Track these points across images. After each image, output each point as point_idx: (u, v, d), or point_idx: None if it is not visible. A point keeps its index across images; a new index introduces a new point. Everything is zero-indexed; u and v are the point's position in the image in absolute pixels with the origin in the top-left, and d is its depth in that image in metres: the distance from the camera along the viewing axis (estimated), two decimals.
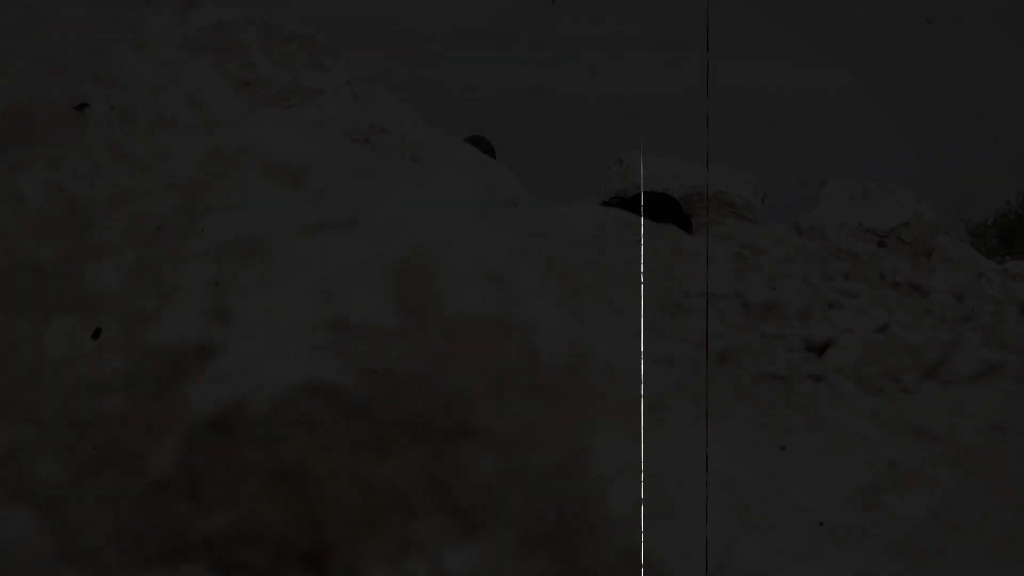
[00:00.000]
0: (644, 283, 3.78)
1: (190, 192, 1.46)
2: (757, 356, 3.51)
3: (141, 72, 2.56)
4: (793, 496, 3.02)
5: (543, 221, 3.94)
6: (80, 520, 1.33)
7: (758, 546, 2.92)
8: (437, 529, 1.10)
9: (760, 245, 3.95)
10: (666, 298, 3.72)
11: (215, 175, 1.41)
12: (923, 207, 18.04)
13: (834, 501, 3.01)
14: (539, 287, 1.18)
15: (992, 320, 3.73)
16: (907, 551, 2.92)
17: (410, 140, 6.44)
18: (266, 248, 1.25)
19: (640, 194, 9.49)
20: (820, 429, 3.20)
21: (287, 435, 1.12)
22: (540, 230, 3.92)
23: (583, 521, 1.09)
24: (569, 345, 1.17)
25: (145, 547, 1.20)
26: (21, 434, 1.50)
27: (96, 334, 1.58)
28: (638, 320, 3.63)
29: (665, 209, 6.04)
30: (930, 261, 17.63)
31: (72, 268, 1.57)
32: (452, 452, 1.12)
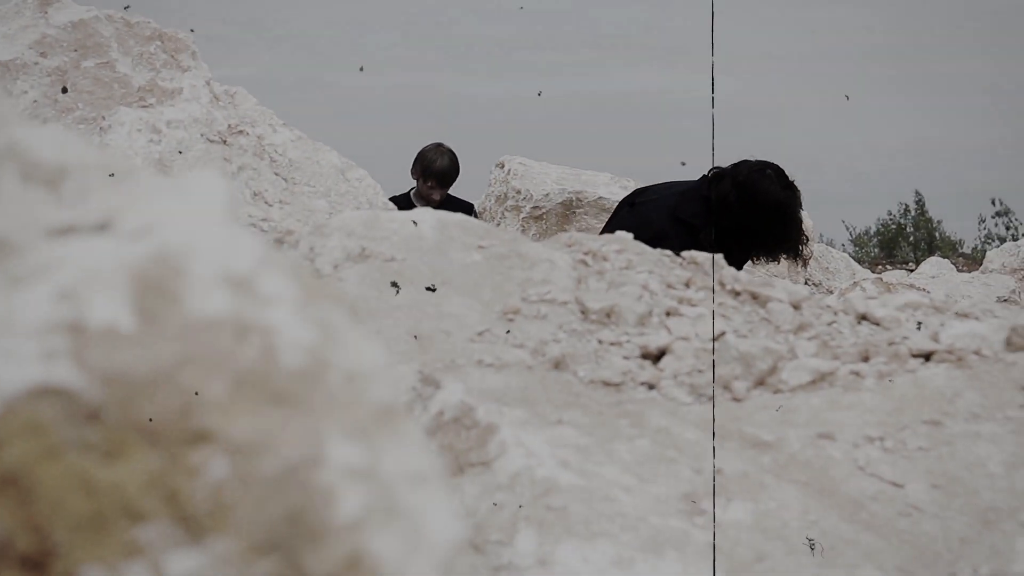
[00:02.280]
0: (484, 287, 3.79)
1: None
2: (592, 363, 3.52)
3: None
4: (618, 502, 3.03)
5: (384, 227, 3.94)
6: None
7: (579, 553, 2.93)
8: (162, 535, 1.09)
9: (602, 252, 3.97)
10: (505, 303, 3.73)
11: None
12: (802, 215, 18.23)
13: (658, 508, 3.03)
14: (283, 293, 1.17)
15: (828, 329, 3.77)
16: (729, 558, 2.94)
17: (268, 142, 6.43)
18: (13, 249, 1.24)
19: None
20: (649, 436, 3.22)
21: (14, 439, 1.11)
22: (381, 235, 3.92)
23: (310, 527, 1.09)
24: (309, 351, 1.16)
25: None
26: None
27: None
28: (474, 325, 3.64)
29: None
30: (807, 269, 17.88)
31: None
32: (185, 457, 1.12)
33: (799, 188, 7.28)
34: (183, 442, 1.15)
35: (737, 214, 6.99)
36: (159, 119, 6.38)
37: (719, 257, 3.96)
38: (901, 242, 41.30)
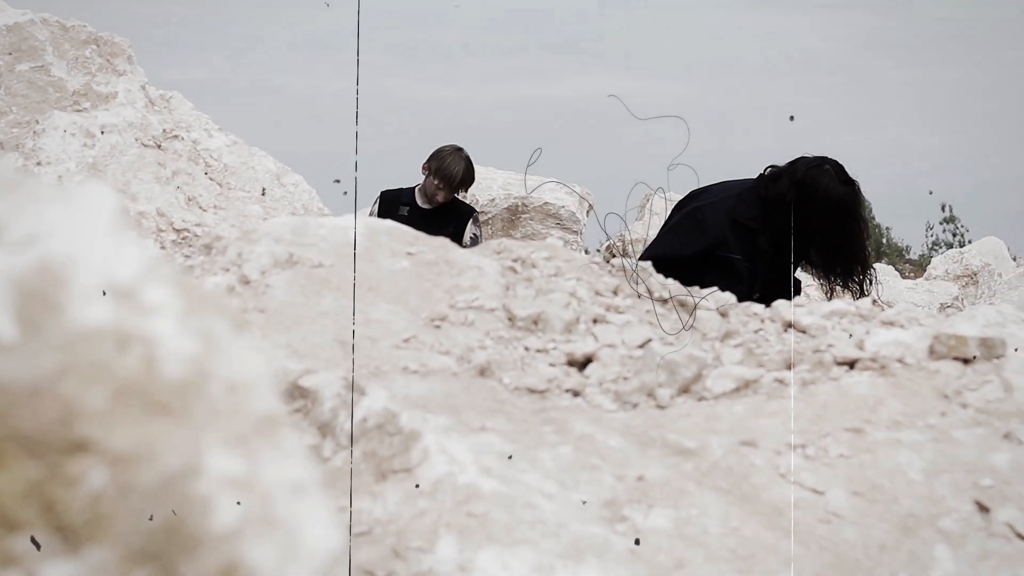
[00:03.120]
0: (412, 294, 3.79)
1: None
2: (518, 370, 3.53)
3: None
4: (539, 509, 3.03)
5: (313, 233, 3.93)
6: None
7: (499, 559, 2.94)
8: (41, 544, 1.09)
9: (532, 259, 3.98)
10: (432, 310, 3.73)
11: None
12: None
13: (580, 514, 3.03)
14: (166, 304, 1.17)
15: (754, 337, 3.79)
16: (649, 564, 2.95)
17: (204, 147, 6.41)
18: None
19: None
20: (572, 443, 3.23)
21: None
22: (310, 241, 3.91)
23: (188, 537, 1.09)
24: (190, 362, 1.16)
25: None
26: None
27: None
28: (400, 332, 3.64)
29: None
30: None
31: None
32: (64, 467, 1.11)
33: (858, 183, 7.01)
34: (62, 452, 1.14)
35: (796, 213, 6.77)
36: (93, 123, 6.35)
37: (647, 264, 3.96)
38: None
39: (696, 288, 4.11)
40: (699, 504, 3.11)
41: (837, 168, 6.85)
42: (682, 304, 3.88)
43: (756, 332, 3.83)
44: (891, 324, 3.84)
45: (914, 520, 3.17)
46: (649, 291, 3.91)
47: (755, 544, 3.04)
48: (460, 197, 9.75)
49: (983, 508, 3.20)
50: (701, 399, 3.46)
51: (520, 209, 14.80)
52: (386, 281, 3.78)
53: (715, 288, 6.90)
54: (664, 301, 3.91)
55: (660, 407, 3.42)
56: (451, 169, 9.37)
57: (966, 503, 3.21)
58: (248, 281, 3.76)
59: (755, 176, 7.18)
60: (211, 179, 6.40)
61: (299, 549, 1.18)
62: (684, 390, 3.47)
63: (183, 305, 1.22)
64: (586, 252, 17.96)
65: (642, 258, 7.24)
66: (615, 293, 3.90)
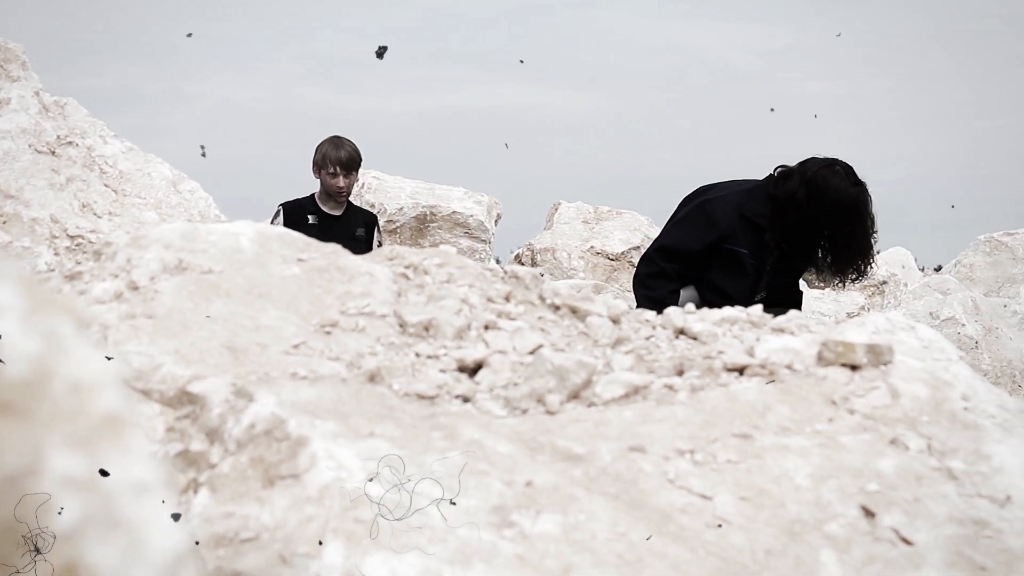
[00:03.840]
0: (302, 300, 3.76)
1: None
2: (408, 376, 3.52)
3: None
4: (427, 515, 3.02)
5: (203, 239, 3.90)
6: None
7: (387, 565, 2.92)
8: None
9: (424, 266, 3.97)
10: (323, 316, 3.71)
11: None
12: (654, 231, 18.44)
13: (468, 520, 3.03)
14: (9, 303, 1.15)
15: (646, 344, 3.80)
16: (536, 570, 2.94)
17: (99, 153, 6.34)
18: None
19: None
20: (462, 449, 3.22)
21: None
22: (200, 247, 3.88)
23: (27, 537, 1.07)
24: (33, 361, 1.14)
25: None
26: None
27: None
28: (290, 338, 3.61)
29: None
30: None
31: None
32: None
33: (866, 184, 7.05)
34: None
35: (806, 211, 6.85)
36: None
37: (539, 271, 3.97)
38: None
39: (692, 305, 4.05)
40: (587, 510, 3.11)
41: (847, 169, 6.92)
42: (574, 310, 3.88)
43: (647, 339, 3.84)
44: (781, 331, 3.87)
45: (800, 525, 3.19)
46: (541, 297, 3.91)
47: (642, 549, 3.04)
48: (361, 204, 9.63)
49: (869, 513, 3.22)
50: (591, 405, 3.47)
51: (428, 218, 14.79)
52: (276, 287, 3.75)
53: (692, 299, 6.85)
54: (556, 308, 3.91)
55: (550, 413, 3.42)
56: (339, 153, 9.27)
57: (852, 508, 3.24)
58: (137, 287, 3.72)
59: (763, 176, 7.14)
60: (106, 185, 6.34)
61: (142, 549, 1.17)
62: (574, 396, 3.47)
63: (27, 304, 1.20)
64: (497, 261, 17.98)
65: (650, 248, 7.27)
66: (507, 299, 3.90)
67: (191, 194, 6.40)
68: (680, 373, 3.61)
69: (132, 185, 6.40)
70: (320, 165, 9.27)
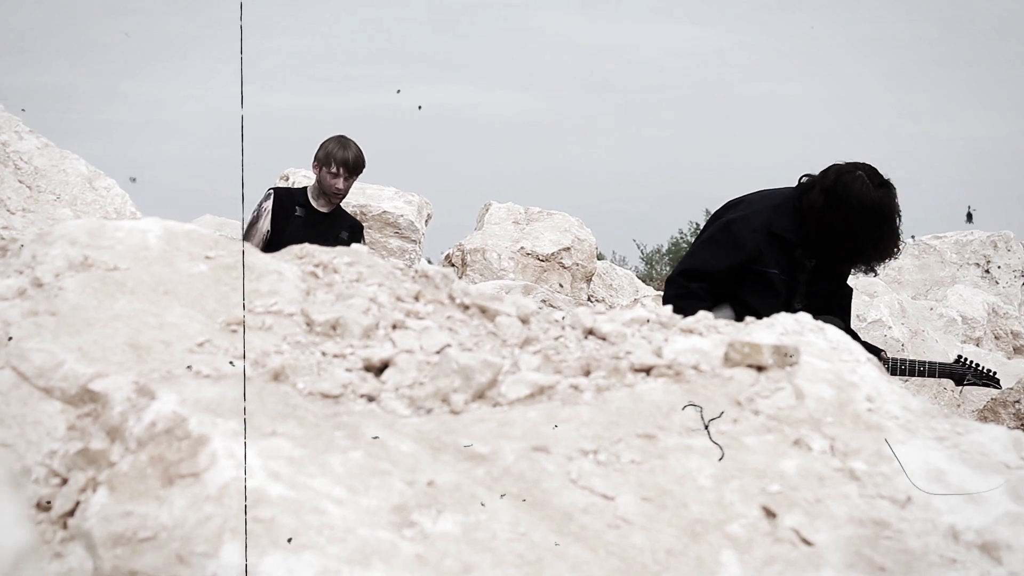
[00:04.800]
0: (208, 298, 3.74)
1: None
2: (313, 375, 3.50)
3: None
4: (327, 514, 3.01)
5: (109, 236, 3.87)
6: None
7: (284, 565, 2.91)
8: None
9: (333, 264, 3.95)
10: (229, 314, 3.69)
11: None
12: (585, 232, 18.43)
13: (369, 519, 3.01)
14: None
15: (554, 344, 3.80)
16: (436, 570, 2.94)
17: (13, 149, 6.28)
18: None
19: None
20: (365, 448, 3.21)
21: None
22: (106, 244, 3.85)
23: None
24: None
25: None
26: None
27: None
28: (194, 336, 3.59)
29: None
30: (590, 286, 17.97)
31: None
32: None
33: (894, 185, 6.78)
34: None
35: (829, 223, 6.63)
36: None
37: (449, 271, 3.96)
38: None
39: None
40: (489, 510, 3.11)
41: (870, 172, 6.69)
42: (484, 310, 3.88)
43: (556, 339, 3.84)
44: (690, 332, 3.87)
45: (702, 525, 3.20)
46: (451, 297, 3.90)
47: (543, 549, 3.04)
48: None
49: (770, 513, 3.24)
50: (496, 405, 3.46)
51: (359, 218, 14.76)
52: (183, 285, 3.73)
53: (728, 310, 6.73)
54: (465, 307, 3.90)
55: (454, 412, 3.41)
56: (345, 153, 9.10)
57: (753, 509, 3.25)
58: (41, 284, 3.69)
59: (792, 185, 6.90)
60: (20, 182, 6.28)
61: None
62: (479, 396, 3.47)
63: None
64: (429, 262, 17.94)
65: (675, 271, 7.03)
66: (416, 299, 3.89)
67: (107, 191, 6.35)
68: (587, 373, 3.61)
69: (47, 181, 6.34)
70: (322, 162, 9.10)
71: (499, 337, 3.79)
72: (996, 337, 15.44)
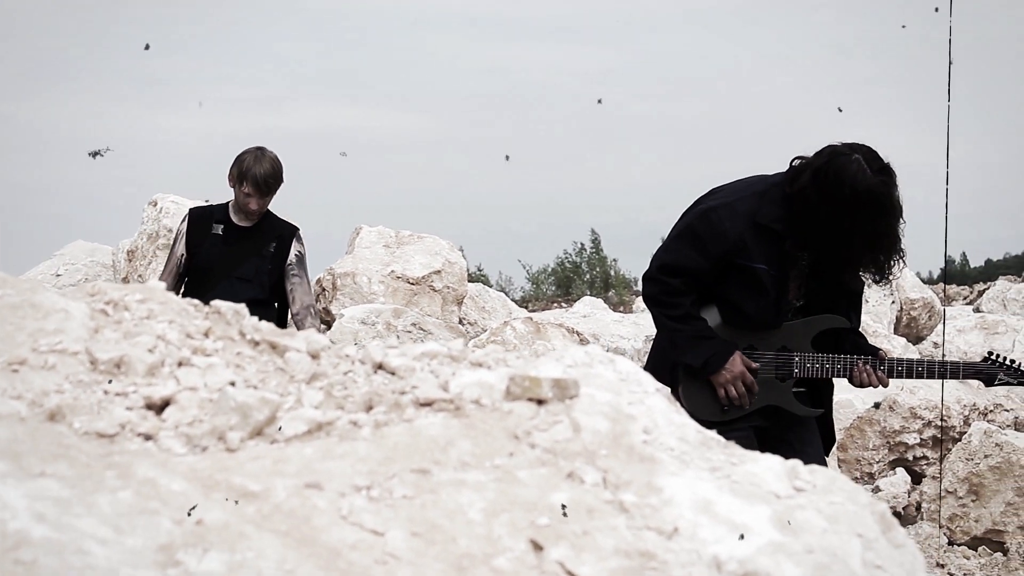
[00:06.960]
0: None
1: None
2: (91, 414, 3.52)
3: None
4: (90, 555, 3.03)
5: None
6: None
7: None
8: None
9: (124, 302, 3.97)
10: (12, 354, 3.70)
11: None
12: (455, 255, 18.54)
13: (132, 559, 3.04)
14: None
15: (343, 379, 3.85)
16: None
17: None
18: None
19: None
20: (134, 487, 3.23)
21: None
22: None
23: None
24: None
25: None
26: None
27: None
28: None
29: None
30: (461, 308, 18.02)
31: None
32: None
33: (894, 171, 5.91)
34: None
35: (818, 209, 5.88)
36: None
37: (242, 307, 3.98)
38: (576, 280, 42.30)
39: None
40: (256, 547, 3.14)
41: (869, 155, 5.93)
42: (273, 346, 3.92)
43: (346, 374, 3.88)
44: (479, 365, 3.93)
45: (469, 559, 3.25)
46: (241, 333, 3.94)
47: None
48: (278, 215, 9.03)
49: (537, 547, 3.30)
50: (273, 442, 3.50)
51: None
52: None
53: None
54: (255, 343, 3.94)
55: (230, 450, 3.45)
56: (256, 170, 8.76)
57: (521, 542, 3.31)
58: None
59: (780, 172, 6.17)
60: None
61: None
62: (256, 433, 3.50)
63: None
64: None
65: (652, 266, 6.23)
66: (206, 335, 3.92)
67: None
68: (369, 408, 3.66)
69: None
70: (236, 180, 8.78)
71: (287, 373, 3.84)
72: None
